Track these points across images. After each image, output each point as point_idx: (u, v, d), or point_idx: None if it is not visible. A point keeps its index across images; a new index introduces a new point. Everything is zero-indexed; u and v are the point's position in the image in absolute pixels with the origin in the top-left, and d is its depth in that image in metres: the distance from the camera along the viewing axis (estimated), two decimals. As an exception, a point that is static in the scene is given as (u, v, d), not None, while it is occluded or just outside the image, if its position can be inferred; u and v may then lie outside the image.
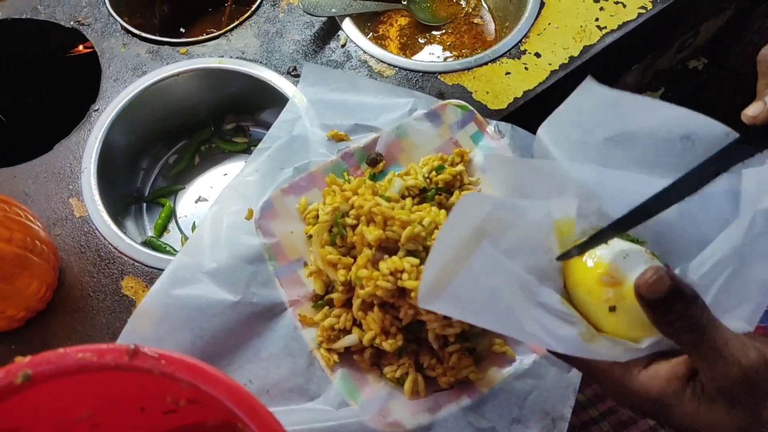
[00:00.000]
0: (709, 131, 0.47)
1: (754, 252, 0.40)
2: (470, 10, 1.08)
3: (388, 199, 0.70)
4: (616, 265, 0.44)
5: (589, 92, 0.50)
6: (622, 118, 0.50)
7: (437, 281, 0.42)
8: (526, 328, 0.42)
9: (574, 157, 0.52)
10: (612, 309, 0.44)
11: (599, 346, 0.42)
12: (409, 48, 1.05)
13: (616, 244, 0.46)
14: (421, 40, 1.05)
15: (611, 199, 0.49)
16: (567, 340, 0.42)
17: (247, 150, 1.00)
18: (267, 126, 0.81)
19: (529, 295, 0.43)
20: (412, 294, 0.62)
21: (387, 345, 0.65)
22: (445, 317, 0.64)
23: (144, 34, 0.92)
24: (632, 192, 0.44)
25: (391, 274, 0.63)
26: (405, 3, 1.07)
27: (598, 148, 0.51)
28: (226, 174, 0.99)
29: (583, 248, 0.46)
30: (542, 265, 0.47)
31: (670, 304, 0.37)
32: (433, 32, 1.06)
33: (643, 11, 0.91)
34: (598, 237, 0.46)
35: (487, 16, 1.07)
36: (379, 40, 1.05)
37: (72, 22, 0.94)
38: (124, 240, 0.77)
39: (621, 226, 0.45)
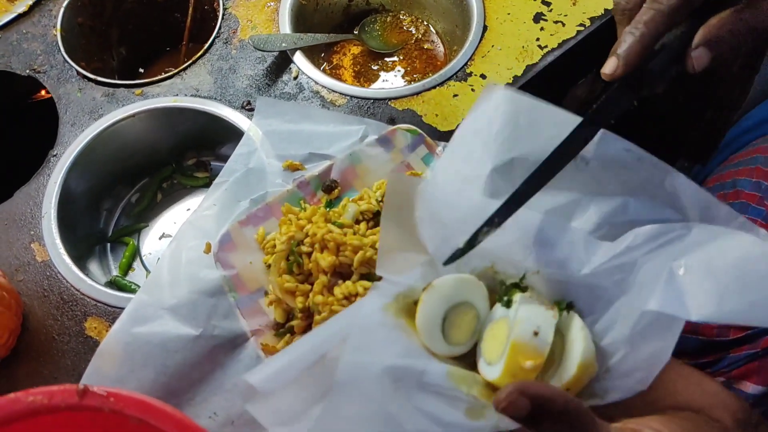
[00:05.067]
0: (606, 149, 0.50)
1: (641, 339, 0.44)
2: (420, 36, 1.12)
3: (341, 225, 0.71)
4: (534, 346, 0.45)
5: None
6: (516, 142, 0.53)
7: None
8: (408, 429, 0.42)
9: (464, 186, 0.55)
10: None
11: (489, 419, 0.43)
12: (363, 76, 1.08)
13: (521, 312, 0.48)
14: (375, 68, 1.08)
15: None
16: (455, 425, 0.42)
17: (208, 184, 1.01)
18: (227, 159, 0.83)
19: (410, 382, 0.44)
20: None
21: (347, 368, 0.67)
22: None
23: (99, 78, 0.93)
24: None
25: (346, 298, 0.65)
26: (356, 33, 1.10)
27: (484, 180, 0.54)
28: (189, 209, 1.00)
29: (469, 244, 0.49)
30: (414, 345, 0.48)
31: (538, 422, 0.37)
32: (386, 59, 1.09)
33: (582, 28, 0.95)
34: (477, 232, 0.49)
35: (437, 40, 1.11)
36: (334, 70, 1.08)
37: (28, 71, 0.96)
38: (86, 282, 0.78)
39: (495, 219, 0.49)
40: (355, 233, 0.71)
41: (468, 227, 0.51)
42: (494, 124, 0.53)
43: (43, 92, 0.99)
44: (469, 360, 0.51)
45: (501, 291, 0.51)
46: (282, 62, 0.95)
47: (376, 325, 0.47)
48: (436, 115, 0.88)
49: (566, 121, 0.51)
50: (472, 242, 0.50)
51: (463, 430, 0.42)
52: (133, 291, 0.89)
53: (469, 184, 0.54)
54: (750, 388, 0.63)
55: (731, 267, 0.41)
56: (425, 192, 0.55)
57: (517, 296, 0.50)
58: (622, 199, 0.50)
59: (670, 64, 0.48)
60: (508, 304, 0.50)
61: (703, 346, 0.69)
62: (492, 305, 0.52)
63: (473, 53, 0.93)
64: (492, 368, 0.47)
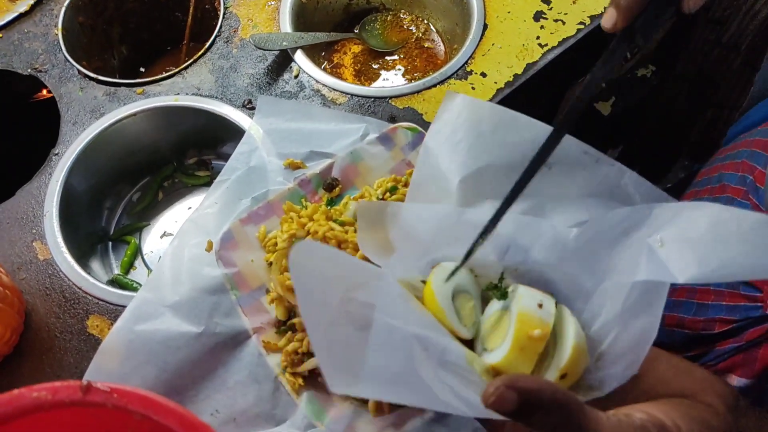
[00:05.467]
0: (567, 153, 0.51)
1: (632, 314, 0.45)
2: (420, 35, 1.12)
3: (343, 223, 0.72)
4: (539, 317, 0.46)
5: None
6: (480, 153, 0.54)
7: (342, 361, 0.41)
8: (441, 398, 0.41)
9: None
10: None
11: None
12: (364, 74, 1.08)
13: (520, 291, 0.49)
14: (375, 66, 1.08)
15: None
16: (473, 405, 0.42)
17: (209, 183, 1.01)
18: (228, 158, 0.83)
19: (434, 354, 0.44)
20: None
21: (348, 365, 0.67)
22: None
23: (100, 77, 0.94)
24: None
25: (347, 295, 0.65)
26: (356, 32, 1.10)
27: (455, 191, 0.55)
28: (190, 208, 1.00)
29: (466, 258, 0.50)
30: (430, 320, 0.48)
31: (528, 415, 0.37)
32: (387, 58, 1.09)
33: (582, 27, 0.95)
34: (472, 246, 0.50)
35: (437, 39, 1.11)
36: (335, 69, 1.08)
37: (29, 70, 0.96)
38: (88, 280, 0.78)
39: (486, 229, 0.49)
40: (356, 231, 0.71)
41: (444, 239, 0.53)
42: (457, 134, 0.55)
43: (44, 91, 0.99)
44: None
45: (490, 288, 0.52)
46: (283, 61, 0.95)
47: (396, 295, 0.47)
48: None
49: (528, 125, 0.52)
50: (468, 257, 0.51)
51: (479, 411, 0.41)
52: (134, 289, 0.89)
53: (439, 198, 0.55)
54: (735, 380, 0.63)
55: (705, 232, 0.43)
56: (396, 214, 0.56)
57: (512, 286, 0.51)
58: (584, 200, 0.52)
59: (664, 8, 0.47)
60: (503, 296, 0.50)
61: (689, 340, 0.69)
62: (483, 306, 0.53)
63: (474, 51, 0.94)
64: (497, 351, 0.48)
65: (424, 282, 0.52)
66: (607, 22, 0.47)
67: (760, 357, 0.65)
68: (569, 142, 0.51)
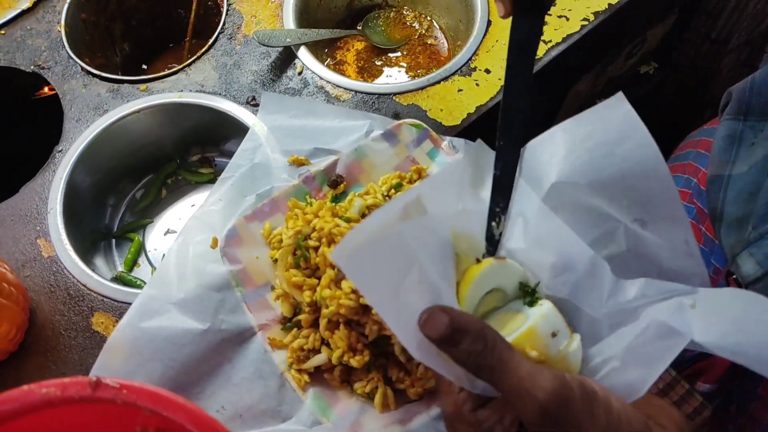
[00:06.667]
0: (670, 233, 0.50)
1: (635, 358, 0.45)
2: (423, 32, 1.12)
3: (348, 220, 0.72)
4: (546, 344, 0.46)
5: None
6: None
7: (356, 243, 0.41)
8: (402, 308, 0.41)
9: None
10: None
11: None
12: (367, 71, 1.08)
13: (546, 310, 0.48)
14: (378, 63, 1.08)
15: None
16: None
17: (213, 180, 1.01)
18: (231, 155, 0.83)
19: (423, 290, 0.43)
20: (373, 311, 0.64)
21: (355, 361, 0.67)
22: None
23: (104, 74, 0.94)
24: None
25: (353, 291, 0.65)
26: (359, 28, 1.10)
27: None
28: (193, 205, 1.00)
29: (489, 242, 0.51)
30: (440, 270, 0.47)
31: (456, 341, 0.39)
32: (390, 54, 1.09)
33: (586, 23, 0.95)
34: (488, 230, 0.51)
35: (440, 36, 1.11)
36: (338, 66, 1.08)
37: (32, 67, 0.96)
38: (93, 277, 0.78)
39: (496, 209, 0.51)
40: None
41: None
42: (592, 139, 0.51)
43: (47, 88, 0.99)
44: None
45: (522, 288, 0.52)
46: (286, 58, 0.95)
47: (440, 237, 0.47)
48: (441, 110, 0.88)
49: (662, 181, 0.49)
50: (490, 240, 0.51)
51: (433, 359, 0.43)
52: (138, 286, 0.89)
53: (533, 185, 0.53)
54: (702, 386, 0.64)
55: (738, 311, 0.43)
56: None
57: (544, 301, 0.50)
58: (655, 267, 0.51)
59: None
60: (531, 303, 0.50)
61: None
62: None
63: (477, 48, 0.93)
64: None
65: (478, 260, 0.51)
66: (499, 12, 0.50)
67: (718, 362, 0.65)
68: (682, 225, 0.49)
